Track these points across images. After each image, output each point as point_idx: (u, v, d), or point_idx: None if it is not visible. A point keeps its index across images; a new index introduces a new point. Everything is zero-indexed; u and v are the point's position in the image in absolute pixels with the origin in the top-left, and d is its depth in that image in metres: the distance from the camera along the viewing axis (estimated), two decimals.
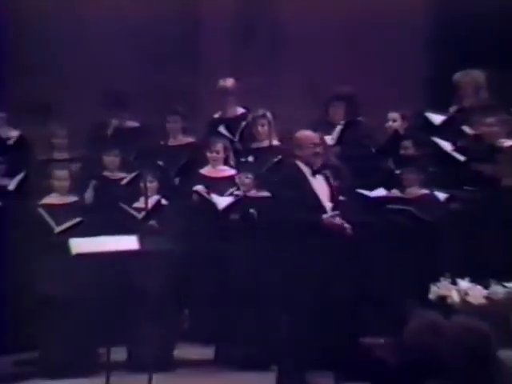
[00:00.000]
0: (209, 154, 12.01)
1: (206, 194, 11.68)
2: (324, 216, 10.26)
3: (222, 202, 11.52)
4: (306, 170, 10.58)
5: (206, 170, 12.01)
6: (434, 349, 6.71)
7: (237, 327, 11.31)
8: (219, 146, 12.02)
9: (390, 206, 11.32)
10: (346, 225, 10.27)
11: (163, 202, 11.41)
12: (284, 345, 10.76)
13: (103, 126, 12.96)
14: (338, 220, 10.26)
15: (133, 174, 11.75)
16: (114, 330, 10.59)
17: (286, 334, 10.73)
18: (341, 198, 10.83)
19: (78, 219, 11.15)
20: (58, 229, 10.93)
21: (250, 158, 12.30)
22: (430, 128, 12.25)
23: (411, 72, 14.72)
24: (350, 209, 10.86)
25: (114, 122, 12.88)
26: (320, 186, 10.58)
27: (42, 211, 11.40)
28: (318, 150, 10.68)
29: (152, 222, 10.98)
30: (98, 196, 12.08)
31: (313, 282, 10.18)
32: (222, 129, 12.56)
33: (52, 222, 11.17)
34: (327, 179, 10.60)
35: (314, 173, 10.58)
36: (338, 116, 12.32)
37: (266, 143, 12.23)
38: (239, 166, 12.01)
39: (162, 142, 12.70)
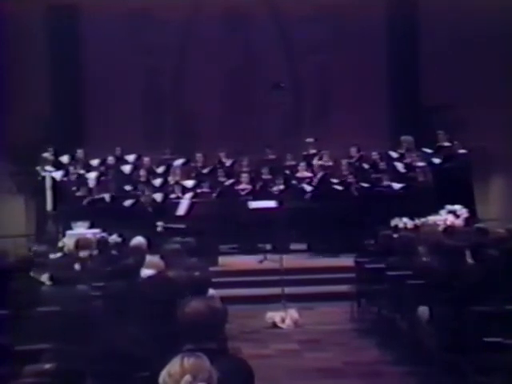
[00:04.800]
0: (300, 168, 12.58)
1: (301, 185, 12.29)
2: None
3: (308, 187, 12.13)
4: None
5: (299, 174, 12.55)
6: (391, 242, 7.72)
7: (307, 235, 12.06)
8: (303, 165, 12.60)
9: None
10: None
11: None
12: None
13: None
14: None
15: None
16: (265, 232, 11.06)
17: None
18: None
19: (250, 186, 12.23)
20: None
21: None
22: (391, 158, 12.65)
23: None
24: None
25: (272, 156, 13.24)
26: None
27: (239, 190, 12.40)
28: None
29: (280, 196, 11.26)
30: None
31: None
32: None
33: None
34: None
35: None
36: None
37: (327, 164, 12.71)
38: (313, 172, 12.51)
39: (286, 164, 13.01)
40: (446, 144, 12.60)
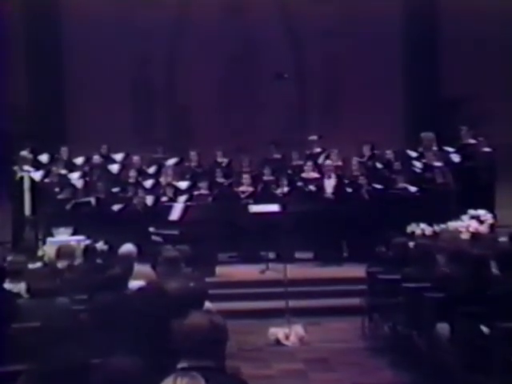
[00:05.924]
0: (306, 169, 12.50)
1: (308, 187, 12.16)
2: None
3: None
4: None
5: (305, 174, 12.49)
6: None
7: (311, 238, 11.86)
8: (310, 164, 12.51)
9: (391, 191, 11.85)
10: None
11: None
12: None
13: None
14: None
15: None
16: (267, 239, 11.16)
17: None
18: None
19: (251, 188, 12.20)
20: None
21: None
22: (409, 157, 12.56)
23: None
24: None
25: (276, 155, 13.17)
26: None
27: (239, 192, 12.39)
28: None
29: (284, 200, 11.06)
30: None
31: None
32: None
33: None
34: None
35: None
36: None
37: (335, 163, 12.55)
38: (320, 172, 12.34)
39: (292, 164, 12.97)
40: (470, 141, 12.55)
